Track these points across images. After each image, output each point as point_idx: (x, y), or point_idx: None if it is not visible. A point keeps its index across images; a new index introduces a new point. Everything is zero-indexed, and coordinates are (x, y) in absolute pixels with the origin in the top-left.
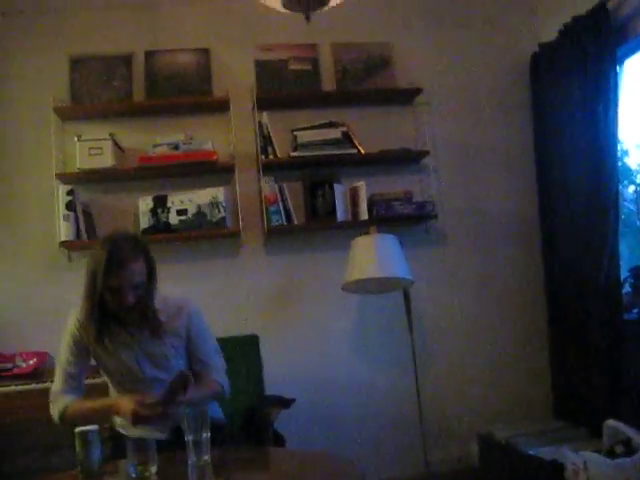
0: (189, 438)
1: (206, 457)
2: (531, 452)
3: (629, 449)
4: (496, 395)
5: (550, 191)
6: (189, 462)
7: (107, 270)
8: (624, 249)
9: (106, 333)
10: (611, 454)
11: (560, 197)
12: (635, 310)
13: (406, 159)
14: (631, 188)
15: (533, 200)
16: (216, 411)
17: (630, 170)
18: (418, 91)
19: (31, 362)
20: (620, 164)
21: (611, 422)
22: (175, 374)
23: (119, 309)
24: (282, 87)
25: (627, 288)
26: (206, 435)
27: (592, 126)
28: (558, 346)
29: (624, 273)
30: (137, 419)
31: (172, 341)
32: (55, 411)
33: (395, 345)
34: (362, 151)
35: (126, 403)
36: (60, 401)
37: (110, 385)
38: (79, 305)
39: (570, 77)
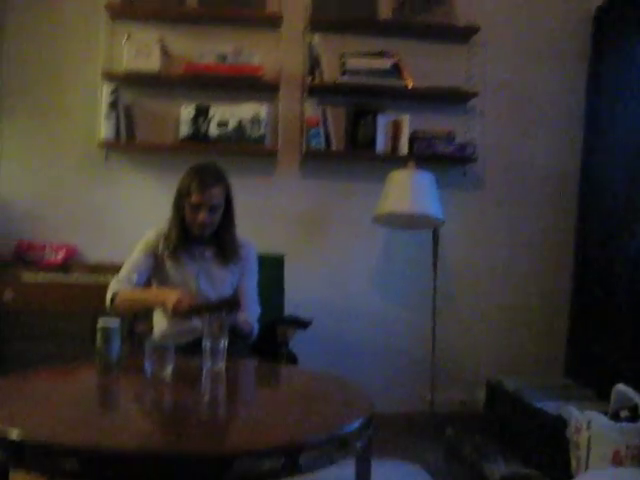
0: (206, 344)
1: (221, 364)
2: (537, 405)
3: (634, 415)
4: (510, 346)
5: (595, 151)
6: (204, 367)
7: (190, 189)
8: None
9: (182, 246)
10: (616, 417)
11: (604, 159)
12: None
13: (454, 98)
14: None
15: (576, 158)
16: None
17: None
18: (475, 30)
19: (60, 254)
20: None
21: (621, 387)
22: (232, 295)
23: (195, 226)
24: (338, 10)
25: None
26: (224, 343)
27: None
28: (580, 306)
29: None
30: (177, 311)
31: (233, 269)
32: (108, 294)
33: (417, 283)
34: (410, 85)
35: (173, 293)
36: (115, 287)
37: None
38: (163, 226)
39: (634, 36)
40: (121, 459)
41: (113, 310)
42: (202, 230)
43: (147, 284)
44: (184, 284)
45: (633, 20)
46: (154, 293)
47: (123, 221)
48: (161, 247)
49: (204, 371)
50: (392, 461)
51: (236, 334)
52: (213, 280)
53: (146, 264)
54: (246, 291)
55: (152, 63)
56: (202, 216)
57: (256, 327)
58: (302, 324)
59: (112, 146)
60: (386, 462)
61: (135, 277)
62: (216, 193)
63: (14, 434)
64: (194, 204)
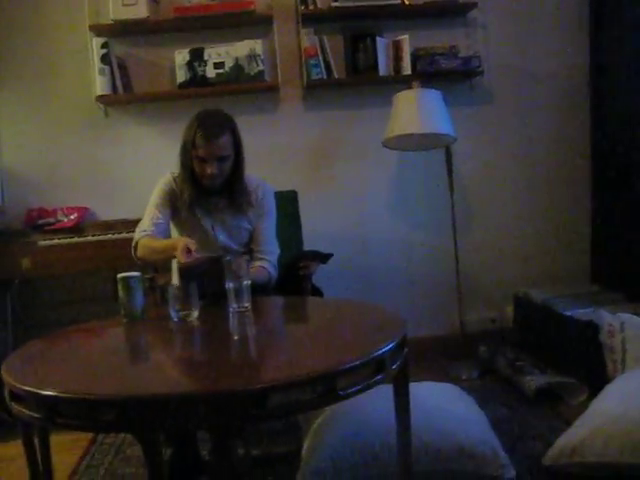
0: (229, 285)
1: (247, 304)
2: (567, 313)
3: None
4: (534, 258)
5: (603, 50)
6: (230, 309)
7: (195, 142)
8: None
9: (196, 201)
10: None
11: (613, 57)
12: None
13: (452, 11)
14: None
15: (585, 59)
16: None
17: None
18: None
19: (72, 217)
20: None
21: None
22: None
23: (204, 178)
24: None
25: None
26: (247, 283)
27: None
28: (601, 210)
29: None
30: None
31: (249, 216)
32: (133, 243)
33: (434, 204)
34: (406, 2)
35: (181, 240)
36: (137, 236)
37: None
38: (174, 170)
39: None
40: (158, 405)
41: (137, 259)
42: (212, 182)
43: (168, 233)
44: (203, 236)
45: None
46: (167, 242)
47: (131, 175)
48: (178, 195)
49: (230, 312)
50: (428, 382)
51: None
52: (230, 230)
53: (163, 214)
54: (262, 234)
55: (140, 10)
56: (211, 168)
57: (273, 272)
58: (323, 257)
59: (110, 101)
60: (422, 383)
61: (154, 229)
62: (223, 143)
63: (49, 391)
64: (201, 157)
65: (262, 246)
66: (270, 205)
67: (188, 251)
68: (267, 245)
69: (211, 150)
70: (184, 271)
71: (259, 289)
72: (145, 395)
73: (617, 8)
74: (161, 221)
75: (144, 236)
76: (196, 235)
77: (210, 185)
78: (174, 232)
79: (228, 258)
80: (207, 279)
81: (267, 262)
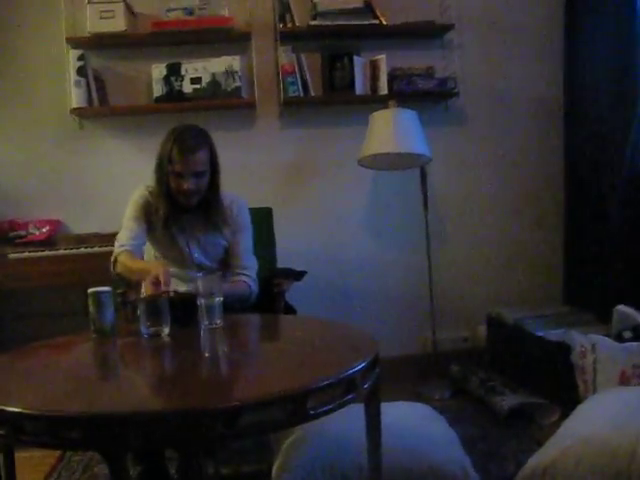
0: (201, 302)
1: (218, 321)
2: (539, 334)
3: (637, 335)
4: (507, 278)
5: (577, 76)
6: (202, 325)
7: (171, 157)
8: None
9: (172, 218)
10: (619, 339)
11: (587, 82)
12: None
13: (429, 33)
14: None
15: (559, 84)
16: None
17: None
18: None
19: (44, 230)
20: None
21: (622, 307)
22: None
23: (180, 194)
24: None
25: None
26: (218, 299)
27: (628, 10)
28: (574, 232)
29: None
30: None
31: (225, 233)
32: (112, 256)
33: (409, 223)
34: (384, 22)
35: (153, 268)
36: (116, 251)
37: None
38: (149, 184)
39: None
40: (125, 423)
41: (116, 274)
42: (188, 198)
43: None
44: (178, 253)
45: None
46: (142, 266)
47: (104, 189)
48: (153, 208)
49: (202, 329)
50: (400, 402)
51: (233, 301)
52: (205, 248)
53: (140, 228)
54: (239, 249)
55: (117, 24)
56: (187, 184)
57: (254, 287)
58: (297, 275)
59: (85, 113)
60: (393, 403)
61: (133, 243)
62: (200, 159)
63: (13, 408)
64: (177, 172)
65: (240, 261)
66: (245, 220)
67: (157, 282)
68: (245, 260)
69: (188, 165)
70: (151, 306)
71: (237, 305)
72: (112, 413)
73: (590, 31)
74: (139, 235)
75: (123, 251)
76: (171, 252)
77: (186, 202)
78: (149, 248)
79: (199, 275)
80: (178, 315)
81: (247, 277)
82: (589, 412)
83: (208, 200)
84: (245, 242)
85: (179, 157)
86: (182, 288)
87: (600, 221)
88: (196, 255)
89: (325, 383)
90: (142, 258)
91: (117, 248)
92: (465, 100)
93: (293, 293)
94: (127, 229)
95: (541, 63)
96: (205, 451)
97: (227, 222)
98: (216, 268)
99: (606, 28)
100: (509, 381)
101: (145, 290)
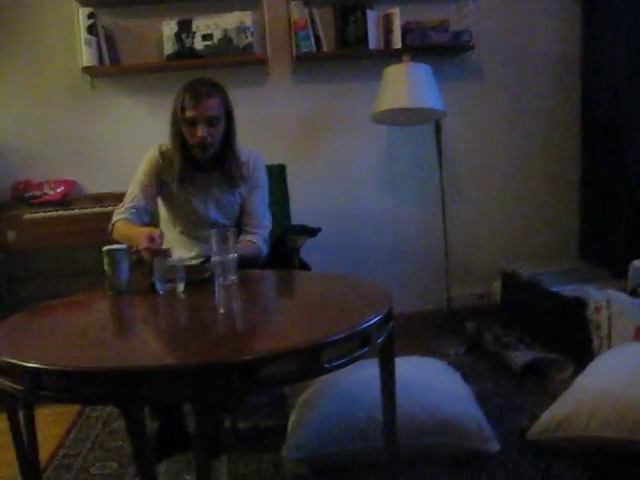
0: (215, 258)
1: (233, 277)
2: (554, 289)
3: None
4: (523, 234)
5: (595, 29)
6: (216, 282)
7: (184, 104)
8: None
9: (187, 175)
10: (634, 294)
11: (605, 36)
12: None
13: None
14: None
15: (576, 40)
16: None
17: None
18: None
19: (59, 190)
20: None
21: (637, 263)
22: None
23: (195, 146)
24: None
25: None
26: (232, 256)
27: None
28: (590, 187)
29: None
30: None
31: (241, 190)
32: (109, 226)
33: (423, 179)
34: None
35: (142, 236)
36: (114, 218)
37: (168, 222)
38: (163, 142)
39: None
40: (142, 377)
41: (113, 240)
42: (203, 149)
43: (154, 209)
44: (193, 213)
45: None
46: (134, 233)
47: (118, 148)
48: (165, 170)
49: (216, 285)
50: (414, 357)
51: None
52: (223, 207)
53: (150, 190)
54: (253, 207)
55: None
56: (200, 131)
57: (263, 247)
58: (311, 232)
59: (97, 72)
60: (407, 358)
61: (137, 203)
62: (212, 104)
63: (32, 363)
64: (190, 119)
65: (253, 220)
66: (262, 178)
67: (152, 239)
68: (258, 219)
69: (200, 110)
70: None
71: (248, 264)
72: (128, 367)
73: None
74: (142, 203)
75: (121, 219)
76: (185, 211)
77: (202, 153)
78: (162, 208)
79: (214, 231)
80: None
81: (257, 236)
82: (603, 367)
83: (224, 155)
84: (260, 201)
85: (191, 102)
86: (194, 251)
87: (617, 176)
88: (212, 214)
89: (339, 337)
90: (145, 224)
91: (116, 215)
92: (480, 54)
93: (307, 250)
94: (130, 194)
95: (559, 19)
96: (222, 406)
97: (244, 178)
98: (231, 226)
99: None
100: (524, 336)
101: (140, 244)
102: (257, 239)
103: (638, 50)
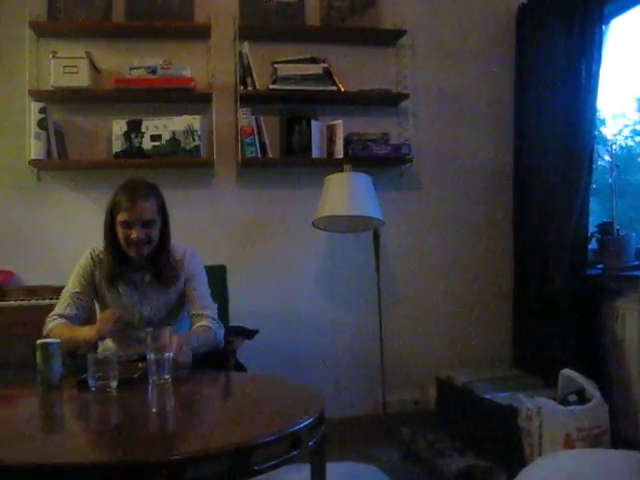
0: (150, 356)
1: (167, 376)
2: (487, 397)
3: (582, 398)
4: (458, 342)
5: (526, 144)
6: (150, 380)
7: (119, 205)
8: (595, 207)
9: (119, 275)
10: (564, 402)
11: (535, 151)
12: (600, 266)
13: (385, 101)
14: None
15: (509, 152)
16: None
17: (606, 139)
18: (402, 33)
19: None
20: (597, 133)
21: (567, 371)
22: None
23: (129, 246)
24: (266, 18)
25: (594, 244)
26: (168, 355)
27: (573, 82)
28: (522, 298)
29: (592, 229)
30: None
31: (176, 288)
32: (45, 331)
33: (362, 285)
34: (342, 89)
35: (91, 329)
36: (52, 322)
37: None
38: (96, 246)
39: (555, 31)
40: (67, 474)
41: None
42: (138, 249)
43: (89, 313)
44: (126, 312)
45: (552, 16)
46: (79, 332)
47: (59, 242)
48: (97, 274)
49: (150, 384)
50: (348, 462)
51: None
52: (156, 304)
53: (83, 295)
54: (196, 293)
55: (81, 79)
56: (135, 233)
57: (217, 328)
58: (248, 333)
59: (43, 166)
60: (342, 464)
61: (69, 311)
62: (147, 207)
63: None
64: (125, 222)
65: (197, 303)
66: (197, 267)
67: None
68: (202, 300)
69: (136, 213)
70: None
71: (210, 350)
72: (53, 463)
73: (538, 104)
74: (73, 312)
75: (57, 324)
76: (117, 310)
77: (136, 253)
78: (98, 308)
79: (149, 329)
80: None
81: (207, 319)
82: (533, 475)
83: (157, 256)
84: (199, 285)
85: (127, 205)
86: (129, 350)
87: (547, 287)
88: (146, 313)
89: (270, 438)
90: None
91: (49, 322)
92: (419, 166)
93: (244, 351)
94: (62, 302)
95: (493, 131)
96: None
97: (177, 277)
98: (168, 324)
99: (553, 101)
100: (458, 444)
101: (102, 326)
102: (208, 322)
103: (565, 164)
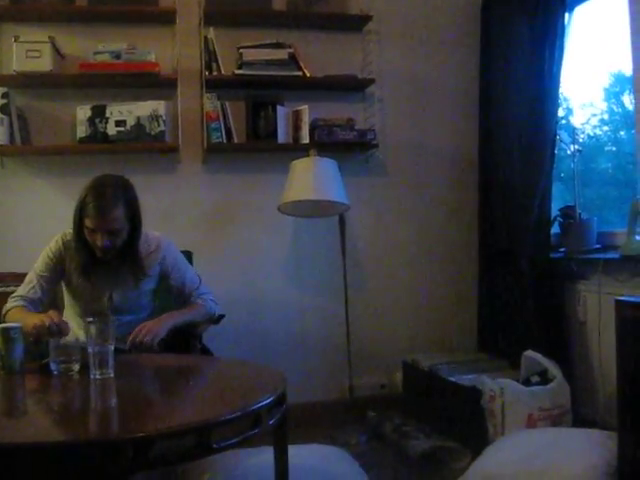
0: (91, 350)
1: (110, 370)
2: (451, 379)
3: (544, 379)
4: (424, 325)
5: (491, 129)
6: (90, 375)
7: (87, 210)
8: (557, 191)
9: (90, 267)
10: (527, 383)
11: (500, 136)
12: (562, 249)
13: (351, 86)
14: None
15: (474, 137)
16: None
17: (574, 128)
18: (368, 18)
19: None
20: (564, 122)
21: (529, 353)
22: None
23: (95, 249)
24: (232, 3)
25: (556, 228)
26: (111, 347)
27: (537, 69)
28: (487, 281)
29: (555, 213)
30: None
31: (147, 281)
32: (3, 310)
33: (328, 270)
34: (307, 74)
35: (31, 319)
36: (10, 303)
37: (72, 311)
38: (68, 230)
39: (519, 19)
40: (28, 454)
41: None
42: (103, 253)
43: (53, 297)
44: (97, 304)
45: (516, 3)
46: (26, 321)
47: (24, 229)
48: (67, 259)
49: (91, 378)
50: (313, 445)
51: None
52: (127, 300)
53: (50, 279)
54: (182, 281)
55: (44, 64)
56: (100, 241)
57: (213, 305)
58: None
59: (7, 151)
60: (307, 446)
61: (32, 293)
62: (114, 217)
63: None
64: (91, 229)
65: (187, 290)
66: (175, 258)
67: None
68: (195, 290)
69: (102, 223)
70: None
71: (178, 338)
72: (12, 443)
73: (503, 91)
74: (38, 295)
75: (15, 306)
76: (91, 302)
77: (102, 255)
78: (66, 296)
79: (91, 319)
80: None
81: (201, 299)
82: (496, 453)
83: (126, 254)
84: (184, 275)
85: (93, 213)
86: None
87: (510, 270)
88: (117, 304)
89: (231, 416)
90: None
91: (10, 301)
92: (385, 151)
93: (210, 336)
94: (28, 284)
95: (458, 118)
96: None
97: (152, 267)
98: (143, 317)
99: (517, 88)
100: (424, 426)
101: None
102: (201, 300)
103: (528, 151)
